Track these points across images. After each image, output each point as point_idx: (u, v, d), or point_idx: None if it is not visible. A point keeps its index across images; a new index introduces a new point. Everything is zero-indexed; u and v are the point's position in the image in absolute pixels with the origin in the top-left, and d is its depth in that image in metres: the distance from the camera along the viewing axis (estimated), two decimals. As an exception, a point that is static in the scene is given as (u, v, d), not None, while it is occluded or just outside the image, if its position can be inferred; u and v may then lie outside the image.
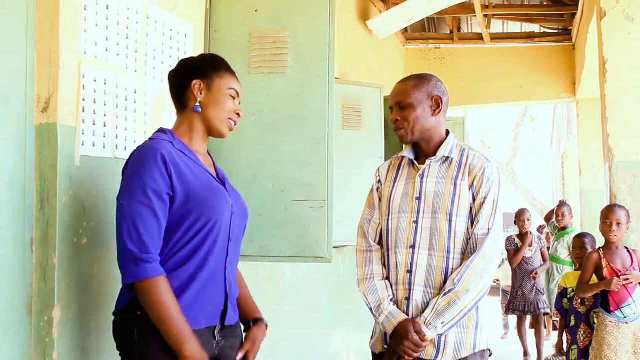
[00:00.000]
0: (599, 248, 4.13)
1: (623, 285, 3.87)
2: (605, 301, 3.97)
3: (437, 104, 2.30)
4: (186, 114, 2.07)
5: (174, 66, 2.15)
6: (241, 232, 2.14)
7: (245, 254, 2.79)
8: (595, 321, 4.06)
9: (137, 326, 1.88)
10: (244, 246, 2.76)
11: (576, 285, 4.14)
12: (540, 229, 8.87)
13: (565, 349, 4.52)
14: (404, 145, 2.44)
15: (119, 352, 1.93)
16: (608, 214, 4.00)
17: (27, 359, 2.02)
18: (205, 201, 1.95)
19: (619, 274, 3.87)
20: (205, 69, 2.07)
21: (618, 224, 3.95)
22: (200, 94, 2.05)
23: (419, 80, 2.32)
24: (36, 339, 2.03)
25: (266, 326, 2.23)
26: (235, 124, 2.11)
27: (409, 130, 2.28)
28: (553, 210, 7.04)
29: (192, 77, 2.05)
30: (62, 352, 2.05)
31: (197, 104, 2.04)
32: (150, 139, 2.00)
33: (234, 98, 2.10)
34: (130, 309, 1.89)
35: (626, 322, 3.87)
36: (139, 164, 1.90)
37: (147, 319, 1.87)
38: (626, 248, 4.03)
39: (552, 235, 6.94)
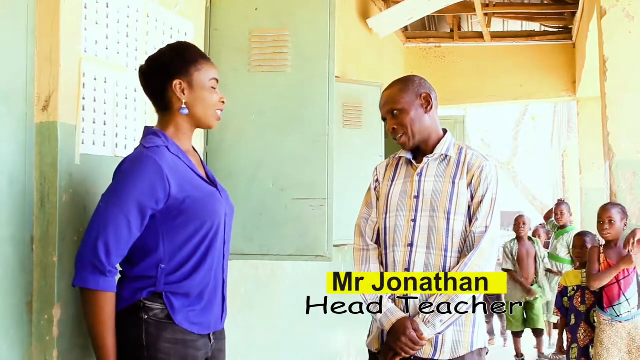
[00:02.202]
0: (599, 244, 4.15)
1: (617, 282, 3.88)
2: (599, 299, 3.98)
3: (427, 101, 2.31)
4: (171, 115, 2.01)
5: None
6: (231, 232, 2.13)
7: (246, 253, 2.80)
8: (595, 320, 4.07)
9: (144, 330, 1.87)
10: (244, 245, 2.77)
11: (588, 278, 4.11)
12: (540, 227, 8.84)
13: (565, 347, 4.52)
14: None
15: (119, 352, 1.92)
16: (601, 213, 4.03)
17: (28, 358, 2.02)
18: (204, 208, 1.94)
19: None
20: (182, 66, 1.98)
21: (610, 221, 3.96)
22: (184, 94, 1.98)
23: (404, 83, 2.33)
24: (36, 337, 2.03)
25: None
26: (222, 112, 2.08)
27: (410, 135, 2.28)
28: (552, 209, 7.05)
29: (171, 77, 1.97)
30: (63, 351, 2.05)
31: (184, 105, 1.98)
32: (144, 146, 1.94)
33: (214, 87, 2.04)
34: (134, 311, 1.89)
35: (620, 322, 3.87)
36: (135, 173, 1.86)
37: (155, 322, 1.88)
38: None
39: (552, 233, 6.94)
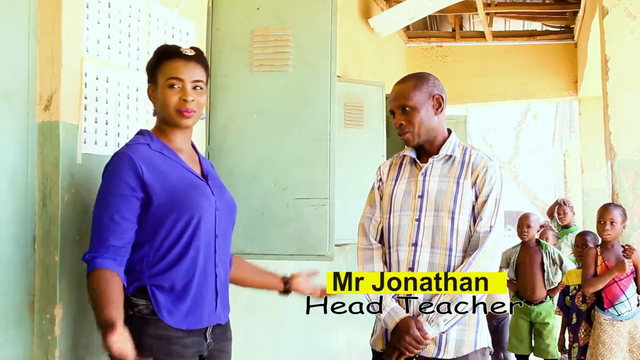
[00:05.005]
0: (597, 245, 4.15)
1: (616, 282, 3.88)
2: (599, 299, 3.98)
3: (438, 103, 2.29)
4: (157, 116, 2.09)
5: None
6: (229, 228, 2.13)
7: (247, 252, 2.80)
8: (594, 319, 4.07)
9: (129, 327, 1.86)
10: (245, 244, 2.77)
11: (582, 282, 4.12)
12: (543, 227, 8.81)
13: (567, 346, 4.52)
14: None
15: None
16: (602, 213, 4.01)
17: (29, 357, 2.02)
18: (184, 199, 1.95)
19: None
20: (150, 70, 2.05)
21: (612, 222, 3.96)
22: (154, 97, 2.04)
23: (418, 80, 2.30)
24: (38, 336, 2.04)
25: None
26: (189, 111, 1.99)
27: (415, 134, 2.27)
28: (554, 204, 7.01)
29: (148, 82, 2.07)
30: (64, 350, 2.06)
31: (154, 108, 2.05)
32: (126, 144, 2.00)
33: (173, 86, 1.98)
34: (124, 307, 1.88)
35: (621, 320, 3.88)
36: (109, 172, 1.93)
37: (139, 318, 1.89)
38: (622, 246, 4.03)
39: (557, 231, 6.90)
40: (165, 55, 2.03)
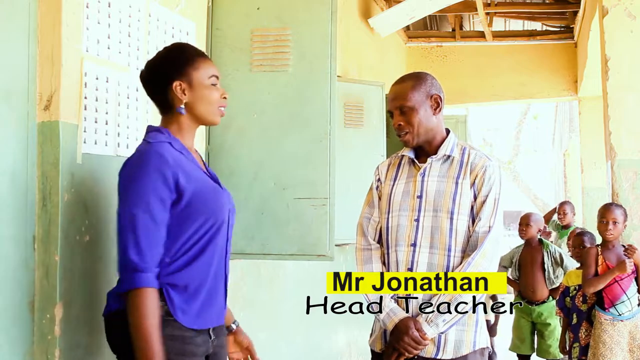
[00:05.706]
0: (597, 245, 4.15)
1: (617, 282, 3.88)
2: (600, 299, 3.98)
3: (437, 103, 2.29)
4: (174, 115, 2.01)
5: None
6: (232, 230, 2.14)
7: (247, 252, 2.80)
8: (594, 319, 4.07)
9: None
10: (245, 244, 2.78)
11: (582, 282, 4.12)
12: (542, 230, 8.78)
13: (567, 347, 4.52)
14: None
15: (115, 355, 1.93)
16: (605, 213, 4.01)
17: (29, 357, 2.02)
18: (210, 202, 1.95)
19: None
20: (179, 66, 1.98)
21: (614, 222, 3.96)
22: (184, 94, 1.98)
23: (416, 80, 2.30)
24: (38, 336, 2.03)
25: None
26: (225, 108, 2.06)
27: (415, 135, 2.27)
28: (553, 209, 7.02)
29: (170, 78, 1.97)
30: (64, 350, 2.05)
31: (182, 105, 1.98)
32: (148, 141, 1.94)
33: (215, 84, 2.02)
34: (123, 311, 1.86)
35: (621, 320, 3.88)
36: (144, 168, 1.86)
37: None
38: (623, 246, 4.03)
39: (556, 232, 6.91)
40: (198, 54, 2.04)
